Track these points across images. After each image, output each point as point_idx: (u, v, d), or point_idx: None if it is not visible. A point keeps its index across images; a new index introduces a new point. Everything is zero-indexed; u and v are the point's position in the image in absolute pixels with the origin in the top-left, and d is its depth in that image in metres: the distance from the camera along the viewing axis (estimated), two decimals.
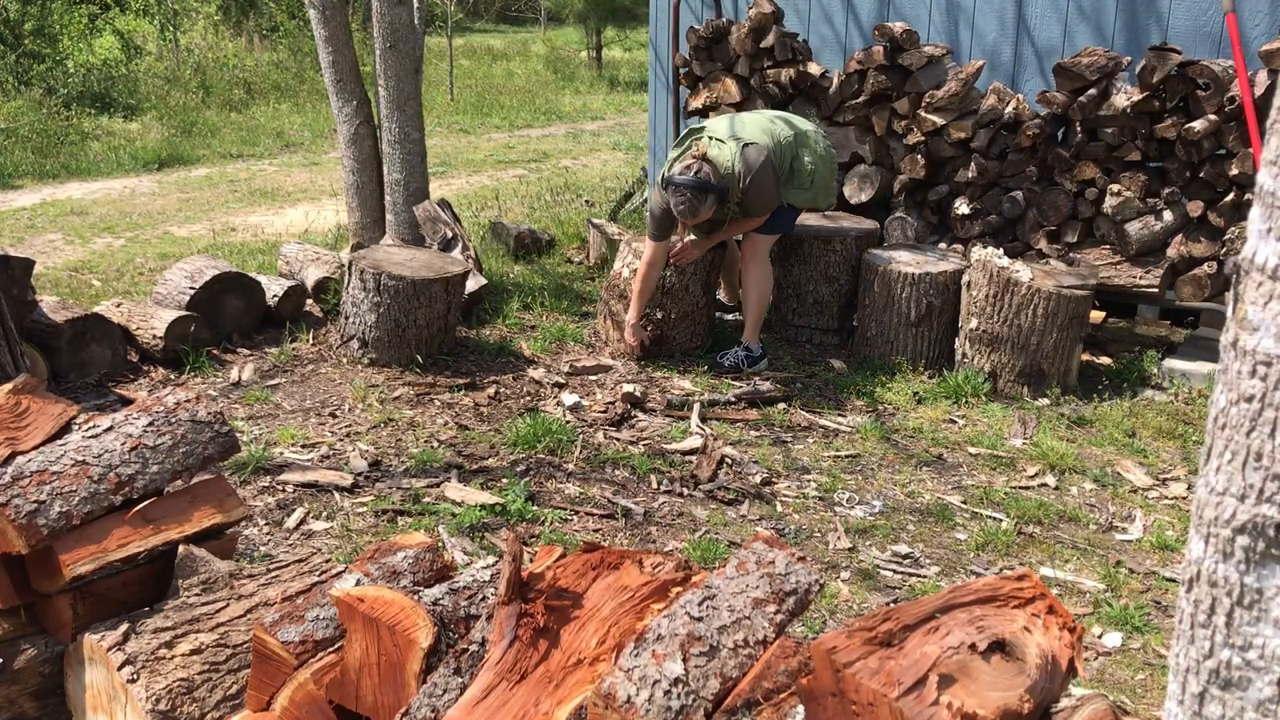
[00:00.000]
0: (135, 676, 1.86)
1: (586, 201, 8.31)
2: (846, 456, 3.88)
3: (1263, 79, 4.48)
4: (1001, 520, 3.39)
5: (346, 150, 6.10)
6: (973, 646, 1.25)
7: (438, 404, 4.24)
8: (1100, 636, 2.80)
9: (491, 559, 1.99)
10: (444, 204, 5.66)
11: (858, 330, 4.90)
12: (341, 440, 3.88)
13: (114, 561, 2.00)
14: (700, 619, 1.51)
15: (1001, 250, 4.59)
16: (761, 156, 4.42)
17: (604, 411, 4.18)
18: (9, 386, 2.17)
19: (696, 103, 5.91)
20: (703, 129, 4.61)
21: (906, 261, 4.72)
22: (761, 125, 4.58)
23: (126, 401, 4.13)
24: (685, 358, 4.82)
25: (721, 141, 4.48)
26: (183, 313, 4.60)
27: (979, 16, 5.58)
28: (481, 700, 1.51)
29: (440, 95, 14.49)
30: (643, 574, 1.69)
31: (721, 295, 5.48)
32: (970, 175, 5.20)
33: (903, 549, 3.23)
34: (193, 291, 4.71)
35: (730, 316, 5.32)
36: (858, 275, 4.90)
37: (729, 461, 3.79)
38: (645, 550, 2.07)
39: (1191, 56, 4.73)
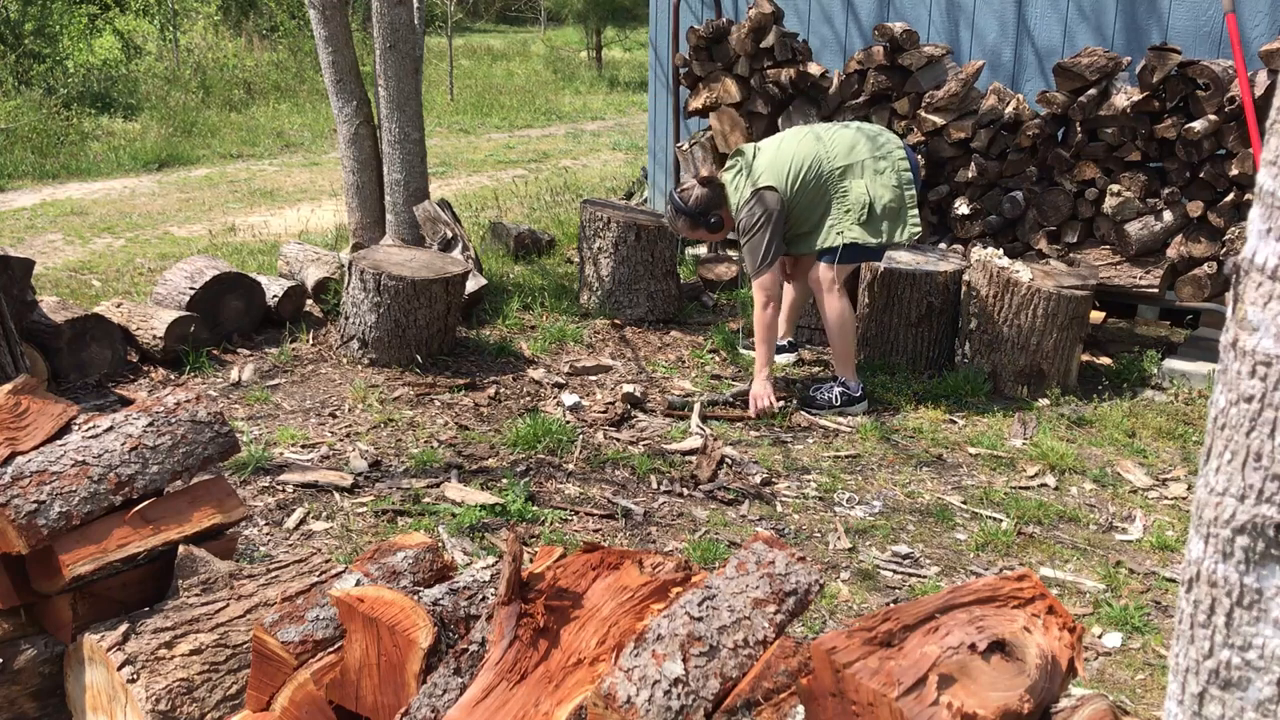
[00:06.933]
0: (135, 676, 1.86)
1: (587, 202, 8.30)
2: (846, 456, 3.88)
3: (1263, 79, 4.47)
4: (1001, 520, 3.39)
5: (346, 150, 6.10)
6: (972, 647, 1.25)
7: (438, 404, 4.24)
8: (1100, 636, 2.80)
9: (491, 559, 1.99)
10: (444, 204, 5.66)
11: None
12: (341, 440, 3.88)
13: (114, 562, 2.00)
14: (700, 619, 1.51)
15: (1001, 250, 4.59)
16: (759, 212, 4.12)
17: (604, 411, 4.18)
18: (9, 386, 2.17)
19: (696, 103, 5.91)
20: (744, 154, 4.31)
21: (906, 261, 4.72)
22: (794, 159, 4.17)
23: (126, 402, 4.13)
24: (685, 357, 4.82)
25: (746, 173, 4.23)
26: (183, 313, 4.60)
27: (979, 17, 5.58)
28: (481, 700, 1.51)
29: (440, 95, 14.49)
30: (643, 574, 1.69)
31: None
32: (970, 175, 5.20)
33: (903, 549, 3.23)
34: (193, 292, 4.71)
35: (782, 358, 4.80)
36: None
37: (729, 462, 3.79)
38: (645, 550, 2.07)
39: (1191, 56, 4.73)
